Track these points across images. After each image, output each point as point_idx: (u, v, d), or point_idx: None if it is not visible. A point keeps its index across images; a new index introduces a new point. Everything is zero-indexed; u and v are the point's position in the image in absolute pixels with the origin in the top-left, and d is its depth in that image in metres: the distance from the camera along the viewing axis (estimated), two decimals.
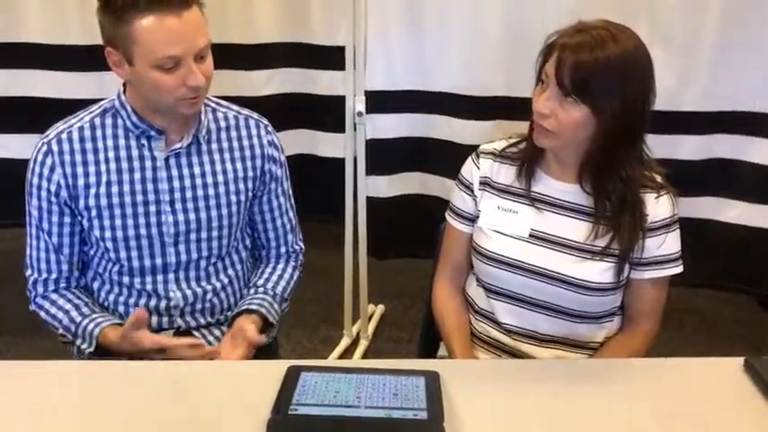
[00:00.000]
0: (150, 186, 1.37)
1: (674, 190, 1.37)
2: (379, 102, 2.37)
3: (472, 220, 1.46)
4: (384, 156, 2.45)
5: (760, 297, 2.77)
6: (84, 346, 1.35)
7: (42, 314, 1.42)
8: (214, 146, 1.43)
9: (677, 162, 2.28)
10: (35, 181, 1.36)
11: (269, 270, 1.55)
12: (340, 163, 2.44)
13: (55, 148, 1.34)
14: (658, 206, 1.34)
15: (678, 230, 1.38)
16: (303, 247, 1.61)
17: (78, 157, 1.35)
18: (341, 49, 2.29)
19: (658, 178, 1.37)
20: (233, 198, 1.44)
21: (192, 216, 1.41)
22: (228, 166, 1.43)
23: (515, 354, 1.44)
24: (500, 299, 1.43)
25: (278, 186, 1.51)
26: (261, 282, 1.52)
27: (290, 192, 1.56)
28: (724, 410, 1.16)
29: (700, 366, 1.31)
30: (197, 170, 1.40)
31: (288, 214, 1.55)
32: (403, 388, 1.13)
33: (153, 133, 1.35)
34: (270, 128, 1.51)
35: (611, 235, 1.33)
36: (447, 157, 2.39)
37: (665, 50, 2.16)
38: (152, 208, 1.38)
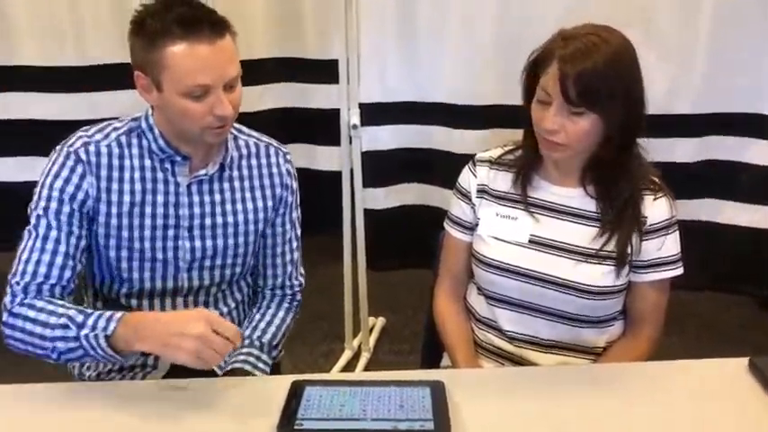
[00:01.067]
0: (171, 211, 1.35)
1: (671, 192, 1.37)
2: (374, 114, 2.38)
3: (471, 228, 1.46)
4: (380, 168, 2.46)
5: (761, 298, 2.77)
6: (92, 335, 1.18)
7: (31, 313, 1.23)
8: (235, 173, 1.41)
9: (674, 165, 2.29)
10: (58, 184, 1.29)
11: (258, 317, 1.49)
12: (336, 176, 2.45)
13: (84, 157, 1.31)
14: (656, 208, 1.35)
15: (677, 232, 1.38)
16: (303, 282, 1.55)
17: (104, 172, 1.32)
18: (334, 63, 2.30)
19: (656, 179, 1.37)
20: (251, 227, 1.43)
21: (209, 243, 1.39)
22: (248, 194, 1.42)
23: (519, 361, 1.43)
24: (501, 306, 1.42)
25: (286, 212, 1.48)
26: (248, 332, 1.45)
27: (298, 223, 1.52)
28: (730, 411, 1.15)
29: (704, 368, 1.31)
30: (217, 197, 1.39)
31: (290, 243, 1.50)
32: (408, 399, 1.12)
33: (178, 159, 1.34)
34: (288, 156, 1.49)
35: (614, 237, 1.34)
36: (443, 167, 2.40)
37: (660, 54, 2.18)
38: (170, 232, 1.36)
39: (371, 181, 2.45)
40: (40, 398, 1.19)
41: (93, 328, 1.18)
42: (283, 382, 1.18)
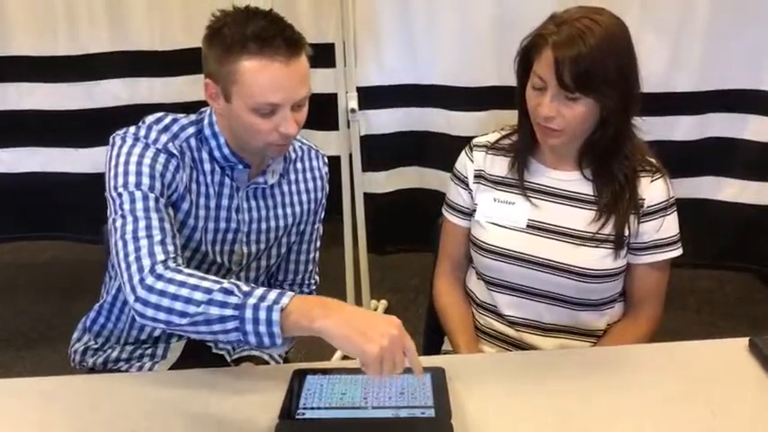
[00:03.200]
0: (233, 215, 1.35)
1: (668, 173, 1.37)
2: (372, 97, 2.36)
3: (469, 213, 1.46)
4: (379, 151, 2.46)
5: (762, 274, 2.77)
6: (263, 305, 1.05)
7: (179, 276, 1.11)
8: (285, 177, 1.42)
9: (674, 143, 2.28)
10: (159, 168, 1.23)
11: None
12: (335, 161, 2.44)
13: (176, 152, 1.26)
14: (653, 189, 1.34)
15: (675, 213, 1.38)
16: (318, 281, 1.58)
17: (187, 171, 1.30)
18: (330, 47, 2.29)
19: (653, 161, 1.37)
20: (294, 229, 1.45)
21: (262, 246, 1.40)
22: (295, 198, 1.43)
23: (519, 345, 1.44)
24: (501, 291, 1.43)
25: (318, 212, 1.50)
26: None
27: (321, 224, 1.53)
28: (731, 391, 1.16)
29: (704, 348, 1.31)
30: (270, 202, 1.40)
31: (315, 243, 1.53)
32: (409, 386, 1.13)
33: (240, 167, 1.33)
34: (325, 158, 1.50)
35: (611, 220, 1.33)
36: (443, 150, 2.39)
37: (658, 33, 2.16)
38: (230, 236, 1.36)
39: (370, 165, 2.44)
40: (46, 391, 1.20)
41: (263, 298, 1.07)
42: (285, 371, 1.18)
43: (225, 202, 1.34)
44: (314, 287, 1.57)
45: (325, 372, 1.18)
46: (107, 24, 2.47)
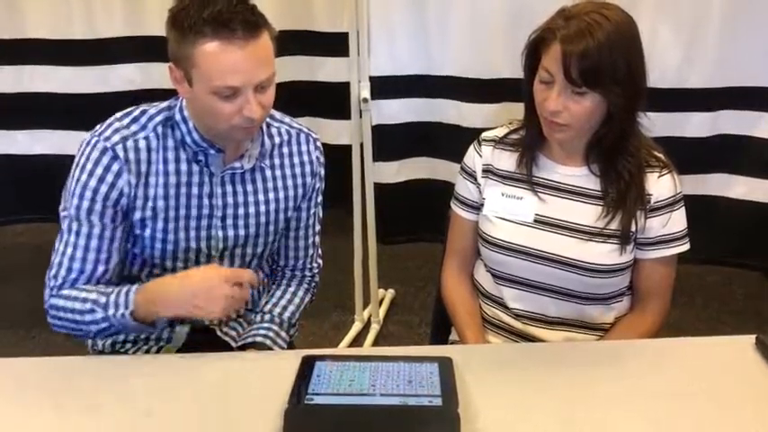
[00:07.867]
0: (206, 201, 1.36)
1: (675, 168, 1.37)
2: (385, 87, 2.36)
3: (477, 207, 1.47)
4: (391, 141, 2.45)
5: None
6: (118, 313, 1.24)
7: (61, 302, 1.29)
8: (267, 162, 1.41)
9: (686, 139, 2.27)
10: (92, 183, 1.28)
11: (279, 293, 1.52)
12: (347, 150, 2.44)
13: (122, 154, 1.28)
14: (660, 185, 1.35)
15: (683, 208, 1.38)
16: (321, 264, 1.57)
17: (144, 167, 1.30)
18: (344, 36, 2.29)
19: (661, 156, 1.37)
20: (281, 215, 1.43)
21: (241, 232, 1.40)
22: (279, 183, 1.42)
23: (526, 337, 1.45)
24: (508, 284, 1.43)
25: (313, 197, 1.49)
26: (268, 307, 1.48)
27: (320, 208, 1.52)
28: (737, 388, 1.16)
29: (711, 345, 1.32)
30: (250, 187, 1.39)
31: (314, 227, 1.52)
32: (417, 375, 1.14)
33: (212, 152, 1.33)
34: (319, 142, 1.49)
35: (618, 216, 1.34)
36: (454, 142, 2.38)
37: (672, 28, 2.15)
38: (204, 222, 1.37)
39: (381, 155, 2.44)
40: (57, 371, 1.22)
41: (117, 306, 1.25)
42: (294, 357, 1.19)
43: (195, 189, 1.34)
44: (316, 270, 1.57)
45: (333, 358, 1.19)
46: (121, 9, 2.48)
